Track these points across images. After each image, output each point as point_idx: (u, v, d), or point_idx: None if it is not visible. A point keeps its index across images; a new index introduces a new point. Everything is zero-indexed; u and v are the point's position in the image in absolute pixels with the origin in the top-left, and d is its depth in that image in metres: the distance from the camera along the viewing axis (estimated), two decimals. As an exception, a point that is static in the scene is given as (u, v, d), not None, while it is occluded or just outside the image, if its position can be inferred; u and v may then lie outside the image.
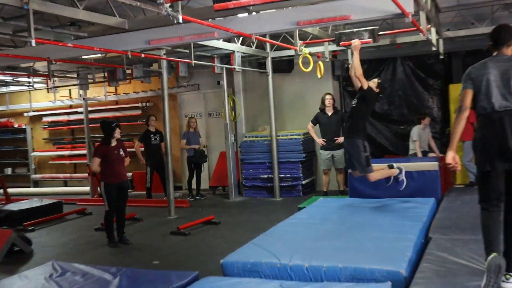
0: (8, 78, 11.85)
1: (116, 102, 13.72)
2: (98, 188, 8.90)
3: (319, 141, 9.53)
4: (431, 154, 9.37)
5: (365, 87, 6.19)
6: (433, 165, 7.53)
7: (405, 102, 11.02)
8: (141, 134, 11.15)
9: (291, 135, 10.62)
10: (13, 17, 6.75)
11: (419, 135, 9.37)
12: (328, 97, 9.54)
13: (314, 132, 9.64)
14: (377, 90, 6.46)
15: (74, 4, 6.11)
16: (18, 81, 12.37)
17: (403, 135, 10.81)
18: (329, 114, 9.51)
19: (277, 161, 10.47)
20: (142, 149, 10.90)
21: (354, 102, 6.50)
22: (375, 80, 6.62)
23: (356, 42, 6.36)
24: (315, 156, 10.91)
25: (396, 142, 11.08)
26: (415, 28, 6.35)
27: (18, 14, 6.61)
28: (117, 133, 7.26)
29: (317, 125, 9.62)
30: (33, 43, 5.03)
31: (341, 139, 9.28)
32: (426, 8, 6.32)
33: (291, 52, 9.87)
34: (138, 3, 3.76)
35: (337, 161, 9.55)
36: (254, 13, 6.05)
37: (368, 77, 11.45)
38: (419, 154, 9.26)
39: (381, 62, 11.15)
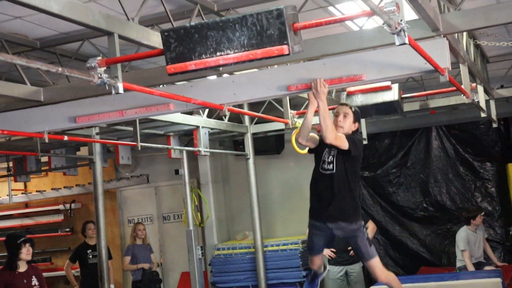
0: None
1: (26, 205, 13.55)
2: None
3: (327, 252, 9.42)
4: (488, 267, 9.29)
5: (347, 146, 5.44)
6: (494, 284, 7.45)
7: (445, 191, 11.09)
8: (73, 250, 10.92)
9: (284, 245, 10.52)
10: None
11: (468, 240, 9.30)
12: (334, 187, 9.56)
13: (318, 240, 9.53)
14: (355, 127, 5.77)
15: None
16: None
17: (446, 239, 10.78)
18: (339, 212, 9.47)
19: (266, 283, 10.27)
20: (75, 271, 10.67)
21: (329, 167, 5.63)
22: (345, 111, 5.74)
23: (318, 86, 5.12)
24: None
25: (436, 248, 11.03)
26: (454, 88, 6.49)
27: None
28: (25, 253, 7.09)
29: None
30: None
31: (357, 249, 9.17)
32: (468, 60, 6.50)
33: (279, 126, 9.99)
34: (59, 69, 3.78)
35: (353, 281, 9.39)
36: (225, 75, 6.13)
37: (391, 157, 11.80)
38: (470, 268, 9.15)
39: (409, 135, 11.34)
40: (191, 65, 3.48)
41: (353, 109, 5.76)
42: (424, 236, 11.20)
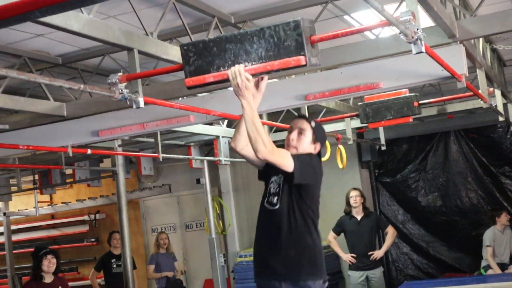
0: None
1: (52, 216, 13.63)
2: None
3: (347, 257, 9.35)
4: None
5: (290, 166, 3.76)
6: (517, 287, 7.37)
7: (465, 195, 11.00)
8: (98, 259, 10.97)
9: (306, 251, 10.47)
10: None
11: (494, 238, 9.27)
12: (354, 194, 9.47)
13: (339, 245, 9.48)
14: (316, 149, 4.13)
15: (-10, 86, 6.23)
16: None
17: (467, 243, 10.68)
18: (358, 218, 9.40)
19: (288, 290, 10.22)
20: (100, 280, 10.71)
21: (273, 200, 4.08)
22: (300, 126, 4.11)
23: (238, 78, 3.35)
24: (343, 279, 10.69)
25: (461, 255, 10.92)
26: (471, 94, 6.43)
27: None
28: (47, 265, 7.13)
29: (342, 234, 9.50)
30: None
31: (378, 254, 9.13)
32: (485, 65, 6.45)
33: (298, 133, 9.97)
34: (81, 86, 3.80)
35: (374, 285, 9.31)
36: (244, 86, 6.13)
37: (409, 162, 11.74)
38: (495, 267, 9.09)
39: (427, 139, 11.28)
40: (209, 77, 3.46)
41: (312, 124, 4.04)
42: (445, 242, 11.11)
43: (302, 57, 3.22)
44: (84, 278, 12.74)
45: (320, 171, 4.04)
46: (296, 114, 8.40)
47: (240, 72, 3.30)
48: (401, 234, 11.03)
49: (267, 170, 4.12)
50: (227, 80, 3.44)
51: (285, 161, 3.70)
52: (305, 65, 3.27)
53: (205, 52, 3.46)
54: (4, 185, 11.94)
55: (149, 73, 4.77)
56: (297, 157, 3.79)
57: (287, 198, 3.95)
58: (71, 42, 6.18)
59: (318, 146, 4.03)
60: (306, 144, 3.99)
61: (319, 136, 4.05)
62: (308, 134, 4.00)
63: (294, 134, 4.01)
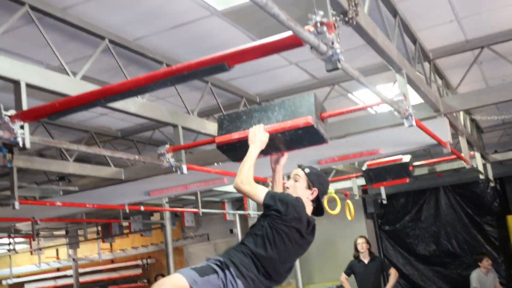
0: (-15, 241, 11.92)
1: (112, 261, 13.59)
2: None
3: (357, 295, 9.16)
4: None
5: (260, 197, 3.21)
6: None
7: (455, 240, 10.81)
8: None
9: (322, 289, 10.28)
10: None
11: (480, 281, 8.99)
12: (360, 241, 9.32)
13: (350, 285, 9.29)
14: (313, 195, 3.40)
15: (63, 156, 6.34)
16: (-3, 244, 12.43)
17: (458, 281, 10.42)
18: (366, 262, 9.21)
19: (308, 323, 10.01)
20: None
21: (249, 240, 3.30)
22: (295, 173, 3.46)
23: (257, 131, 3.30)
24: (354, 314, 10.41)
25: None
26: (456, 157, 6.39)
27: (0, 172, 6.83)
28: None
29: (352, 275, 9.32)
30: (17, 205, 5.11)
31: (384, 292, 8.94)
32: (466, 132, 6.43)
33: (313, 191, 9.94)
34: (136, 157, 3.87)
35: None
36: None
37: (407, 213, 11.64)
38: (481, 306, 8.80)
39: (421, 194, 11.15)
40: (235, 135, 3.44)
41: (306, 170, 3.45)
42: (439, 280, 10.86)
43: (309, 117, 3.18)
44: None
45: (298, 212, 3.22)
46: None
47: (259, 128, 3.24)
48: (402, 274, 10.81)
49: None
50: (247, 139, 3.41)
51: (257, 192, 3.21)
52: (313, 125, 3.20)
53: (236, 120, 3.46)
54: (73, 236, 12.01)
55: (190, 145, 4.81)
56: (272, 193, 3.25)
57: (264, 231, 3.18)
58: (129, 120, 6.29)
59: (315, 191, 3.36)
60: (300, 190, 3.36)
61: (315, 181, 3.40)
62: (302, 180, 3.38)
63: (289, 181, 3.44)
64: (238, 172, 3.17)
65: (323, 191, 3.44)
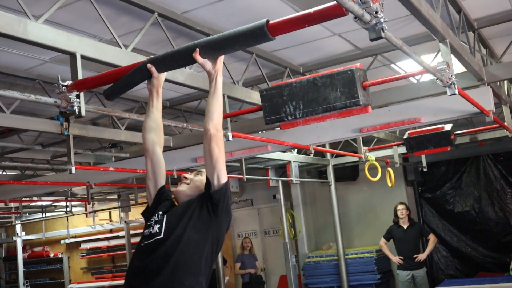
0: (45, 204, 12.34)
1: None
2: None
3: (396, 259, 9.14)
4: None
5: (224, 179, 2.52)
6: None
7: (494, 208, 10.61)
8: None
9: (361, 253, 10.28)
10: (52, 143, 7.18)
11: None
12: (401, 207, 9.29)
13: (389, 249, 9.30)
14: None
15: (115, 124, 6.47)
16: (55, 206, 12.85)
17: (497, 248, 10.30)
18: (405, 227, 9.19)
19: (348, 284, 10.07)
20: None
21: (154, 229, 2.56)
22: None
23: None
24: (393, 277, 10.43)
25: (492, 258, 10.50)
26: (498, 125, 6.24)
27: (57, 139, 7.03)
28: None
29: (392, 241, 9.31)
30: (73, 170, 5.26)
31: (422, 256, 8.92)
32: (509, 101, 6.26)
33: (355, 159, 9.89)
34: (184, 124, 3.93)
35: (419, 283, 9.05)
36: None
37: (447, 181, 11.50)
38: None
39: (462, 162, 10.94)
40: (300, 123, 3.44)
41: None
42: (478, 246, 10.72)
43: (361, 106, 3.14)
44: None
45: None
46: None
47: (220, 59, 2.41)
48: (441, 240, 10.72)
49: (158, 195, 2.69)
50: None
51: (223, 157, 2.51)
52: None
53: (277, 95, 3.48)
54: (125, 200, 12.31)
55: (235, 113, 4.87)
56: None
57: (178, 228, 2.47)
58: (177, 90, 6.37)
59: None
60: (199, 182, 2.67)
61: None
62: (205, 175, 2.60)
63: (189, 174, 2.76)
64: (210, 113, 2.44)
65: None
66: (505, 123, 6.03)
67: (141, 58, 3.67)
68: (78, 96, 2.86)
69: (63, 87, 2.79)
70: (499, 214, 10.56)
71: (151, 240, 2.48)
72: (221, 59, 2.41)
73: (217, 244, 2.53)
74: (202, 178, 2.65)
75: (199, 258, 2.43)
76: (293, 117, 3.35)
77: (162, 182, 2.73)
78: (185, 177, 2.72)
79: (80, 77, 3.12)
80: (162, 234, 2.46)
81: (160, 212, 2.59)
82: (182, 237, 2.43)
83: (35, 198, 10.39)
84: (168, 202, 2.68)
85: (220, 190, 2.49)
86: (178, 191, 2.68)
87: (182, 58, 2.39)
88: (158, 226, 2.51)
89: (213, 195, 2.47)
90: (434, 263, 10.97)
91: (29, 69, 5.23)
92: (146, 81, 2.58)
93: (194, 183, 2.68)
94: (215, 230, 2.50)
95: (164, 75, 2.67)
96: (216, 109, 2.44)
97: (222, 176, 2.49)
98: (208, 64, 2.36)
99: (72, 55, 3.22)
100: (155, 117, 2.72)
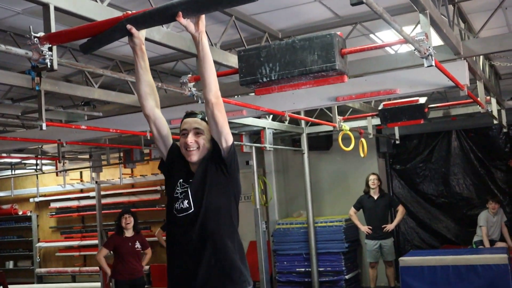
0: (14, 161, 12.17)
1: (132, 186, 13.86)
2: (110, 284, 8.80)
3: (364, 229, 9.33)
4: (499, 244, 9.03)
5: (230, 140, 2.67)
6: (501, 258, 7.21)
7: (463, 182, 10.85)
8: (165, 221, 11.14)
9: (331, 222, 10.41)
10: (23, 98, 7.03)
11: (487, 220, 9.15)
12: (372, 177, 9.44)
13: (358, 219, 9.46)
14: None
15: (89, 82, 6.36)
16: (25, 164, 12.69)
17: (463, 222, 10.57)
18: (375, 197, 9.36)
19: (316, 252, 10.21)
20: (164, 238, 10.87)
21: (184, 205, 2.71)
22: (195, 126, 2.84)
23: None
24: (360, 246, 10.63)
25: (455, 229, 10.80)
26: (472, 100, 6.32)
27: (28, 95, 6.88)
28: (124, 222, 7.30)
29: (361, 210, 9.47)
30: (44, 126, 5.17)
31: (390, 226, 9.12)
32: (484, 77, 6.33)
33: (329, 128, 9.92)
34: (159, 84, 3.87)
35: (386, 252, 9.27)
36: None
37: (418, 154, 11.69)
38: (486, 243, 8.94)
39: (434, 137, 11.11)
40: (275, 89, 3.48)
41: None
42: (444, 219, 10.99)
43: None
44: (155, 236, 12.97)
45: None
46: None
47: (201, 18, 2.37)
48: (409, 212, 10.93)
49: (172, 160, 2.83)
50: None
51: (226, 121, 2.64)
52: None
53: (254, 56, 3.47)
54: (97, 160, 12.20)
55: (212, 76, 4.80)
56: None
57: (206, 198, 2.69)
58: (153, 49, 6.25)
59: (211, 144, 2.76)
60: (205, 144, 2.74)
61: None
62: (205, 133, 2.76)
63: (190, 137, 2.74)
64: (207, 83, 2.53)
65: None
66: (478, 99, 6.10)
67: (117, 14, 3.59)
68: (50, 49, 2.78)
69: (35, 39, 2.71)
70: (467, 189, 10.81)
71: (184, 214, 2.69)
72: (203, 19, 2.39)
73: (238, 197, 2.83)
74: (204, 136, 2.76)
75: (230, 219, 2.76)
76: (268, 79, 3.34)
77: (170, 140, 2.89)
78: (189, 145, 2.73)
79: (53, 30, 3.04)
80: (193, 207, 2.68)
81: (181, 180, 2.76)
82: (210, 207, 2.67)
83: (4, 155, 10.23)
84: (181, 162, 2.80)
85: (229, 152, 2.67)
86: (192, 161, 2.75)
87: (162, 18, 2.35)
88: (186, 201, 2.69)
89: (225, 159, 2.66)
90: (401, 234, 11.21)
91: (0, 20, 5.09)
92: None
93: (202, 146, 2.75)
94: (234, 187, 2.76)
95: (144, 31, 2.69)
96: (211, 76, 2.55)
97: (229, 139, 2.66)
98: (191, 25, 2.35)
99: (46, 6, 3.12)
100: (147, 79, 2.80)
